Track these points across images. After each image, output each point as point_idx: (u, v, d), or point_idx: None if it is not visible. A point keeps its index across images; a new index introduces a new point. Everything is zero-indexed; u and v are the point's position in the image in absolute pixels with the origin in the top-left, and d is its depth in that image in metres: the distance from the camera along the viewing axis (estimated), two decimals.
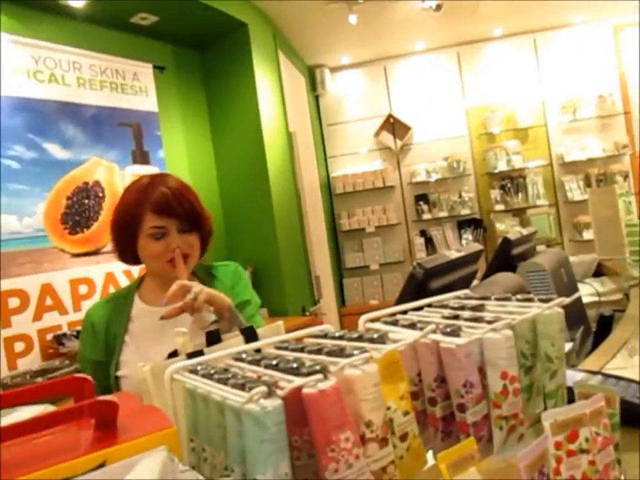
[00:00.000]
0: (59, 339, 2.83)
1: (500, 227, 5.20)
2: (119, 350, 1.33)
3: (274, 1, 3.96)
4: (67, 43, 3.17)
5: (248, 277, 1.48)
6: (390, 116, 5.55)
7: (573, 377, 1.02)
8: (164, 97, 3.75)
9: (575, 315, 1.78)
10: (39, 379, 2.31)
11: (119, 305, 1.39)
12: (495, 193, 5.32)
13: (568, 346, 1.58)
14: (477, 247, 1.78)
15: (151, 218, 1.29)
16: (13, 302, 2.77)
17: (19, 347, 2.76)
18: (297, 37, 4.84)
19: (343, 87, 5.77)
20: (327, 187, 5.72)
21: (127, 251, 1.37)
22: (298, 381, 0.57)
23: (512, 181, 5.31)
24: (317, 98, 5.79)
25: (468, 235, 5.35)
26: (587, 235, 5.02)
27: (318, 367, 0.58)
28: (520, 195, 5.27)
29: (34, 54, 3.01)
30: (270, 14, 4.24)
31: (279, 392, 0.56)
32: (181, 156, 3.89)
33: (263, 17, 4.16)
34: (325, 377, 0.58)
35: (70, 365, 2.55)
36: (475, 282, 1.74)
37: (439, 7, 4.11)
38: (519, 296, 0.86)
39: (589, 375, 1.16)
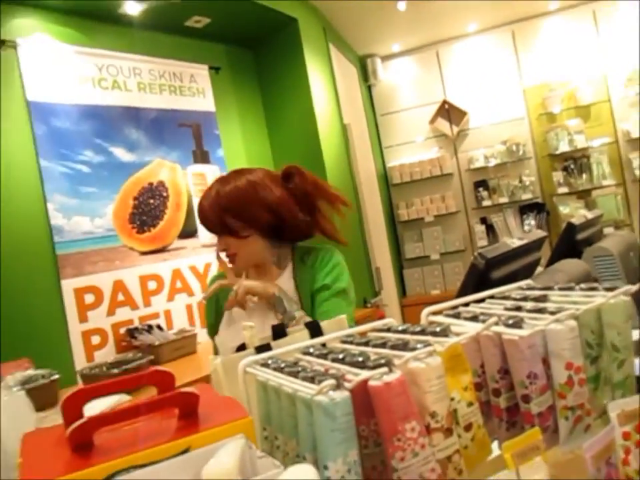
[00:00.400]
0: (132, 333, 2.99)
1: (564, 210, 5.01)
2: (219, 320, 1.58)
3: None
4: (126, 50, 3.32)
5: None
6: (445, 102, 5.45)
7: None
8: (220, 97, 3.85)
9: None
10: (115, 370, 2.45)
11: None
12: (558, 175, 5.13)
13: (636, 334, 1.53)
14: (540, 233, 1.74)
15: None
16: (89, 298, 2.95)
17: (95, 340, 2.94)
18: (347, 28, 4.82)
19: (395, 75, 5.71)
20: (384, 177, 5.69)
21: None
22: (364, 373, 0.59)
23: (575, 162, 5.10)
24: (369, 88, 5.76)
25: (530, 220, 5.19)
26: None
27: (383, 361, 0.61)
28: (584, 175, 5.06)
29: (97, 63, 3.16)
30: (319, 7, 4.25)
31: (347, 384, 0.59)
32: (240, 153, 3.98)
33: (312, 10, 4.18)
34: (390, 370, 0.60)
35: (142, 357, 2.68)
36: (540, 269, 1.70)
37: None
38: (582, 285, 0.85)
39: None
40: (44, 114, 2.89)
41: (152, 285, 3.24)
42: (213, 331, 1.62)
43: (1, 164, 2.72)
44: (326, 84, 4.23)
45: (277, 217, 1.46)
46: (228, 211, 1.45)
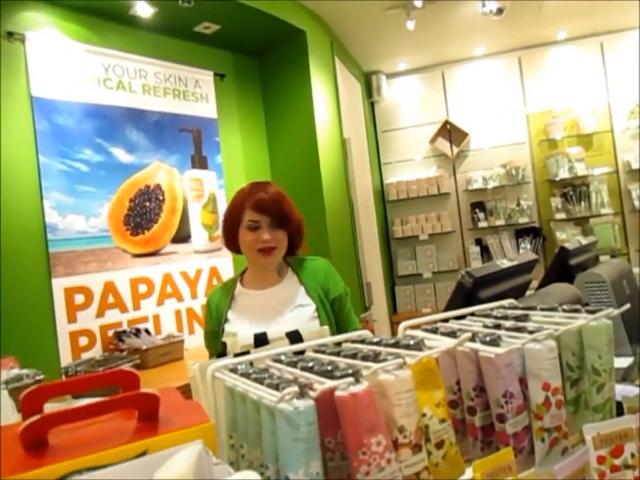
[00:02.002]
0: (119, 336, 2.96)
1: (561, 236, 5.01)
2: (223, 322, 1.68)
3: (332, 8, 4.00)
4: (133, 52, 3.33)
5: None
6: (447, 122, 5.47)
7: (630, 391, 0.98)
8: (223, 104, 3.86)
9: (637, 328, 1.70)
10: (100, 369, 2.43)
11: (226, 289, 1.76)
12: (556, 201, 5.13)
13: (628, 360, 1.52)
14: (531, 256, 1.74)
15: (249, 213, 1.63)
16: (79, 298, 2.93)
17: (83, 341, 2.91)
18: (354, 44, 4.85)
19: (399, 93, 5.74)
20: (381, 193, 5.70)
21: (231, 241, 1.72)
22: (329, 383, 0.58)
23: (574, 189, 5.10)
24: (372, 104, 5.78)
25: (526, 244, 5.18)
26: None
27: (350, 371, 0.59)
28: (583, 203, 5.06)
29: (104, 62, 3.17)
30: (327, 21, 4.28)
31: (311, 393, 0.57)
32: (238, 161, 3.98)
33: (321, 23, 4.21)
34: (357, 381, 0.58)
35: (129, 359, 2.67)
36: (531, 292, 1.69)
37: (500, 11, 4.02)
38: (565, 306, 0.84)
39: None
40: (46, 110, 2.89)
41: (142, 288, 3.22)
42: (211, 337, 1.70)
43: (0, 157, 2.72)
44: (329, 97, 4.25)
45: (299, 229, 1.73)
46: (287, 206, 1.67)
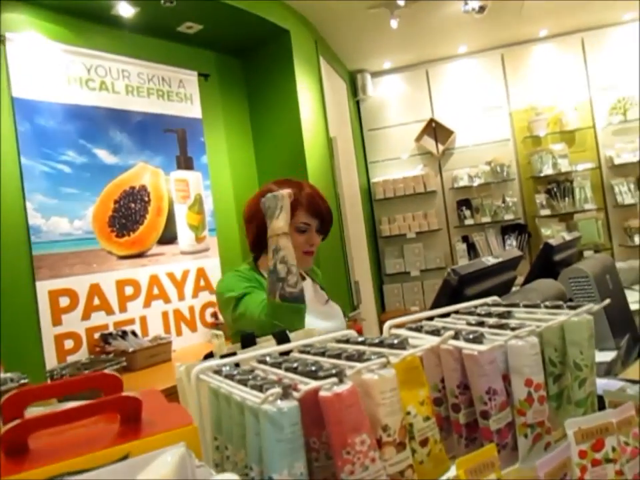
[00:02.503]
0: (106, 338, 2.94)
1: (546, 232, 5.06)
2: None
3: (316, 7, 4.00)
4: (116, 52, 3.30)
5: None
6: (432, 120, 5.50)
7: (613, 385, 0.99)
8: (208, 104, 3.84)
9: (621, 322, 1.72)
10: (86, 372, 2.40)
11: (255, 277, 1.60)
12: (541, 198, 5.18)
13: (612, 354, 1.54)
14: (516, 252, 1.75)
15: (302, 215, 1.59)
16: (64, 301, 2.90)
17: (68, 344, 2.88)
18: (338, 43, 4.86)
19: (384, 91, 5.75)
20: (368, 192, 5.71)
21: (264, 242, 1.54)
22: (313, 383, 0.58)
23: (558, 185, 5.16)
24: (357, 103, 5.79)
25: (512, 241, 5.23)
26: (638, 239, 4.83)
27: (334, 371, 0.59)
28: (567, 199, 5.12)
29: (86, 63, 3.14)
30: (311, 20, 4.27)
31: (295, 394, 0.57)
32: (224, 161, 3.97)
33: (305, 23, 4.20)
34: (341, 381, 0.59)
35: (116, 361, 2.65)
36: (516, 288, 1.70)
37: (482, 9, 4.05)
38: (547, 303, 0.85)
39: (628, 384, 1.12)
40: (28, 111, 2.85)
41: (129, 290, 3.20)
42: (254, 296, 1.49)
43: None
44: (314, 96, 4.24)
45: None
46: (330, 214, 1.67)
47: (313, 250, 1.65)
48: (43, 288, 2.82)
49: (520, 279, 1.82)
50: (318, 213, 1.61)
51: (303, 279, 1.73)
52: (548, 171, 5.11)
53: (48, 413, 0.54)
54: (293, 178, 1.71)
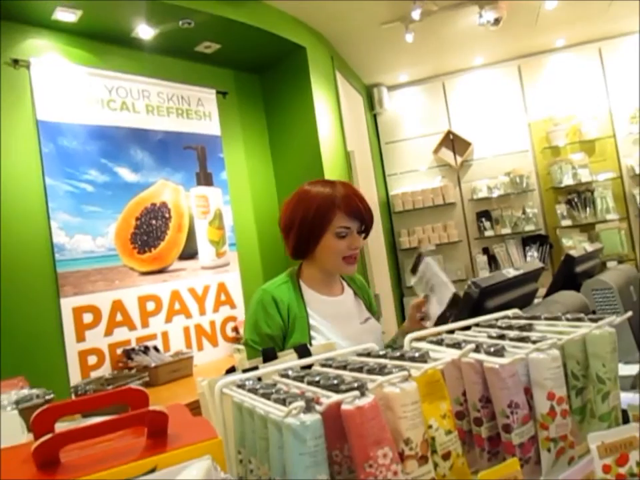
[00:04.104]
0: (128, 354, 2.97)
1: (567, 243, 5.00)
2: (307, 329, 1.47)
3: (331, 23, 4.05)
4: (136, 73, 3.38)
5: None
6: (449, 132, 5.50)
7: (636, 400, 0.98)
8: (226, 121, 3.90)
9: None
10: (109, 387, 2.43)
11: (292, 290, 1.52)
12: (561, 208, 5.12)
13: (637, 368, 1.51)
14: (537, 264, 1.73)
15: (341, 219, 1.47)
16: (87, 317, 2.94)
17: (92, 360, 2.92)
18: (354, 58, 4.90)
19: (401, 104, 5.77)
20: (386, 205, 5.71)
21: (306, 248, 1.52)
22: (335, 397, 0.59)
23: (579, 195, 5.10)
24: (374, 117, 5.82)
25: (533, 252, 5.17)
26: None
27: (356, 384, 0.60)
28: (588, 209, 5.06)
29: (107, 84, 3.22)
30: (327, 36, 4.33)
31: (318, 407, 0.58)
32: (243, 177, 4.01)
33: (321, 39, 4.26)
34: (363, 394, 0.59)
35: (139, 376, 2.67)
36: (538, 300, 1.69)
37: (497, 21, 4.06)
38: (569, 315, 0.84)
39: None
40: (52, 133, 2.93)
41: (150, 306, 3.23)
42: (265, 342, 1.43)
43: (6, 180, 2.75)
44: (331, 111, 4.28)
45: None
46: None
47: (357, 254, 1.52)
48: (67, 305, 2.87)
49: (542, 291, 1.81)
50: (357, 213, 1.48)
51: (342, 291, 1.64)
52: (568, 181, 5.05)
53: (79, 427, 0.56)
54: (344, 182, 1.59)
